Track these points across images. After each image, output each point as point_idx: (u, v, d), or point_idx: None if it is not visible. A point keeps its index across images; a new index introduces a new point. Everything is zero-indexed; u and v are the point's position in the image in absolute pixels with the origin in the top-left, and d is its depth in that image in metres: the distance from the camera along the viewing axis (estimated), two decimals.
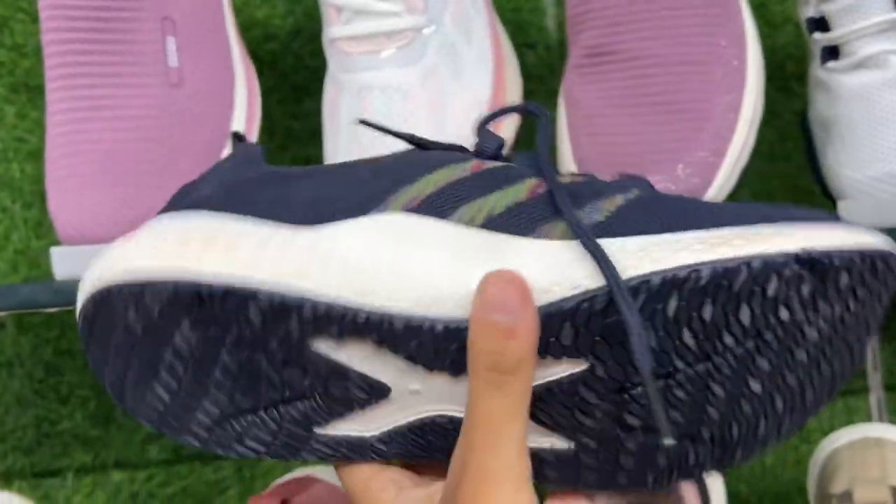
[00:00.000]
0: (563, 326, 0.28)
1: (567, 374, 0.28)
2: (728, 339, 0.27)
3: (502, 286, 0.28)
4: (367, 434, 0.31)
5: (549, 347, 0.28)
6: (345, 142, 0.47)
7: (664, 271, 0.27)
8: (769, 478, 0.79)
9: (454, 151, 0.34)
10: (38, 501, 0.71)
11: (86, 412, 0.73)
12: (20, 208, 0.71)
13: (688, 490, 0.55)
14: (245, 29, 0.76)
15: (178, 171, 0.45)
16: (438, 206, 0.30)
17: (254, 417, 0.31)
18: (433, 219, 0.30)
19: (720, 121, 0.47)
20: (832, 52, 0.54)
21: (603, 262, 0.27)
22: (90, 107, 0.46)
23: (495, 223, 0.30)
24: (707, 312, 0.27)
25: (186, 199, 0.32)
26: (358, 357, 0.29)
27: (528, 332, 0.27)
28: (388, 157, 0.34)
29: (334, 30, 0.48)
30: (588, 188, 0.31)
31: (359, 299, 0.28)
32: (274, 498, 0.50)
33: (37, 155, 0.71)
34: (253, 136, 0.49)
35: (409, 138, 0.35)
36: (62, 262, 0.45)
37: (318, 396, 0.30)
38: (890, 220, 0.50)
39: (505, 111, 0.34)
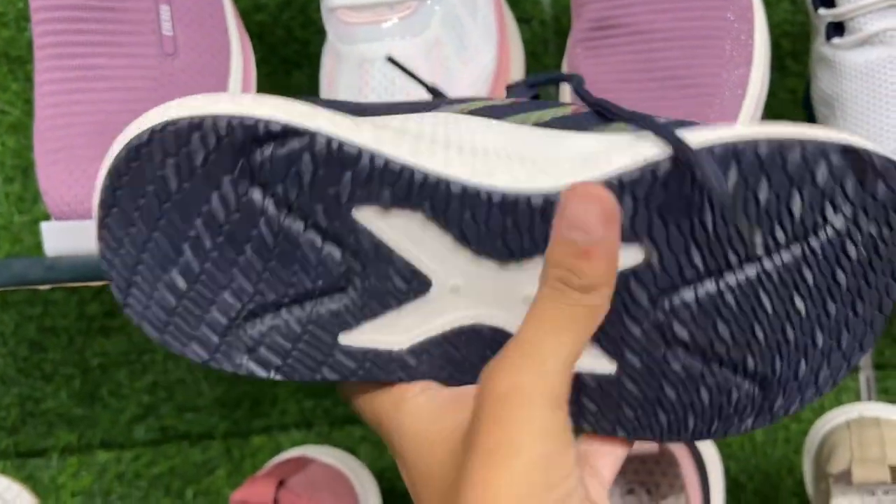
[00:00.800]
0: (622, 200, 0.27)
1: (621, 265, 0.28)
2: (779, 235, 0.28)
3: (586, 203, 0.26)
4: (396, 348, 0.29)
5: None
6: None
7: (725, 143, 0.26)
8: (759, 456, 0.79)
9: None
10: (22, 482, 0.69)
11: (71, 391, 0.72)
12: (1, 182, 0.69)
13: (688, 470, 0.55)
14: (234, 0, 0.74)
15: None
16: (488, 114, 0.30)
17: (276, 317, 0.29)
18: (487, 118, 0.30)
19: (728, 96, 0.46)
20: (837, 29, 0.53)
21: (665, 131, 0.27)
22: (81, 77, 0.44)
23: (547, 126, 0.30)
24: (762, 192, 0.27)
25: None
26: (404, 235, 0.28)
27: (606, 255, 0.26)
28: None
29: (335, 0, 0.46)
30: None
31: (416, 160, 0.27)
32: (271, 478, 0.49)
33: (18, 128, 0.69)
34: None
35: (432, 90, 0.34)
36: (53, 237, 0.44)
37: (353, 288, 0.29)
38: None
39: (539, 81, 0.33)
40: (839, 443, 0.57)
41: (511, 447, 0.25)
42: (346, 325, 0.29)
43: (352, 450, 0.74)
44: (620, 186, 0.27)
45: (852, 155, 0.27)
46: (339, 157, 0.27)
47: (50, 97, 0.45)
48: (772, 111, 0.75)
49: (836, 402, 0.71)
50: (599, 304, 0.27)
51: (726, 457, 0.79)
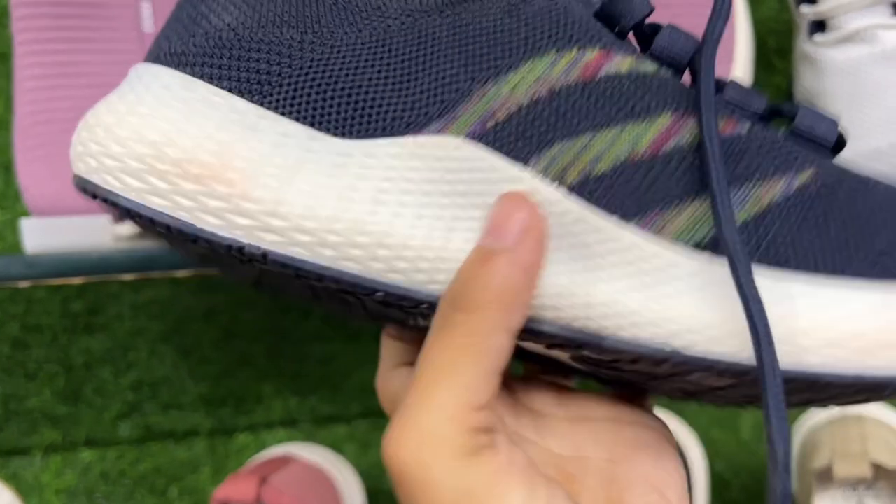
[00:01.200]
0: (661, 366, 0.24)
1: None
2: None
3: (512, 207, 0.23)
4: None
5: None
6: None
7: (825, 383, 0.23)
8: (745, 454, 0.79)
9: (569, 19, 0.25)
10: (5, 480, 0.69)
11: (54, 389, 0.71)
12: None
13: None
14: None
15: None
16: (521, 134, 0.24)
17: None
18: (506, 160, 0.24)
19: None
20: (819, 26, 0.54)
21: (766, 350, 0.22)
22: (62, 73, 0.44)
23: (592, 189, 0.24)
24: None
25: (201, 29, 0.25)
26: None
27: (507, 269, 0.23)
28: None
29: None
30: (742, 151, 0.24)
31: (383, 279, 0.24)
32: (253, 476, 0.49)
33: (0, 124, 0.69)
34: None
35: None
36: (33, 234, 0.44)
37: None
38: None
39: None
40: (821, 439, 0.57)
41: None
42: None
43: (337, 448, 0.74)
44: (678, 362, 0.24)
45: None
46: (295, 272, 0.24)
47: (30, 94, 0.44)
48: None
49: None
50: (485, 332, 0.23)
51: (712, 454, 0.79)
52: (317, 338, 0.74)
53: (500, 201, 0.23)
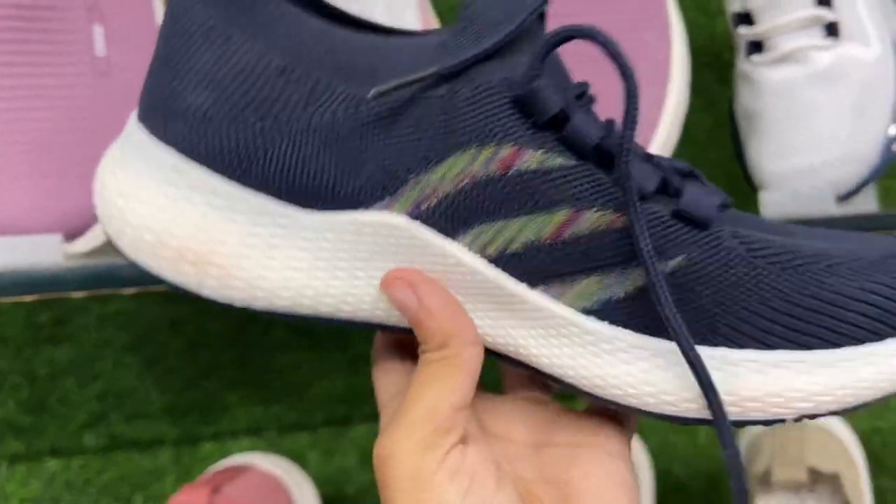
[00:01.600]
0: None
1: None
2: None
3: (394, 289, 0.30)
4: None
5: None
6: None
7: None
8: (702, 458, 0.81)
9: (487, 115, 0.28)
10: None
11: (19, 400, 0.72)
12: None
13: None
14: None
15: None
16: (449, 216, 0.29)
17: None
18: (437, 236, 0.29)
19: (644, 114, 0.48)
20: (756, 46, 0.56)
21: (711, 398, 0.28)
22: (14, 97, 0.45)
23: (507, 262, 0.29)
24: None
25: (179, 103, 0.29)
26: None
27: (434, 315, 0.29)
28: (408, 97, 0.28)
29: None
30: (624, 239, 0.28)
31: (354, 317, 0.31)
32: (205, 486, 0.51)
33: None
34: None
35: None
36: None
37: None
38: (807, 211, 0.51)
39: (567, 35, 0.29)
40: (762, 445, 0.59)
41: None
42: None
43: (300, 456, 0.76)
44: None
45: None
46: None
47: None
48: (713, 120, 0.77)
49: None
50: (454, 354, 0.29)
51: (670, 457, 0.81)
52: (280, 348, 0.75)
53: (384, 287, 0.30)
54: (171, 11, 0.29)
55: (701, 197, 0.28)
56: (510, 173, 0.28)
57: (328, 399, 0.77)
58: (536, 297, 0.29)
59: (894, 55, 0.55)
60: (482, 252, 0.29)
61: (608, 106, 0.31)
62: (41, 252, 0.43)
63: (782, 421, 0.29)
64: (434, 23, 0.55)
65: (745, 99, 0.57)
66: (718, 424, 0.28)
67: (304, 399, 0.76)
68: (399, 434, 0.29)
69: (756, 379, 0.28)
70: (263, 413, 0.76)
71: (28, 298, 0.44)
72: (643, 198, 0.28)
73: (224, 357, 0.75)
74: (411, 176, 0.28)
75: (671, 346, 0.28)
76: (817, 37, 0.53)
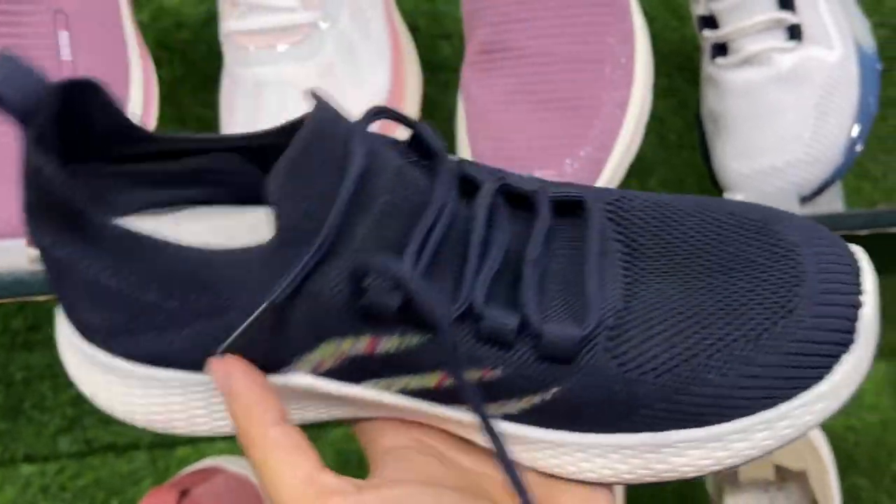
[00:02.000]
0: None
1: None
2: None
3: (216, 373, 0.31)
4: None
5: None
6: None
7: None
8: None
9: (334, 318, 0.30)
10: None
11: None
12: None
13: None
14: (155, 18, 0.75)
15: None
16: (345, 374, 0.31)
17: None
18: (344, 384, 0.31)
19: (608, 117, 0.48)
20: (721, 49, 0.56)
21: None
22: None
23: (412, 394, 0.31)
24: None
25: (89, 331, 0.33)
26: None
27: (234, 403, 0.31)
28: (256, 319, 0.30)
29: (230, 24, 0.48)
30: (501, 383, 0.30)
31: None
32: (173, 489, 0.51)
33: None
34: (151, 126, 0.50)
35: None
36: None
37: None
38: None
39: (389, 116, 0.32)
40: None
41: None
42: None
43: None
44: None
45: None
46: None
47: None
48: (685, 122, 0.78)
49: None
50: (261, 436, 0.30)
51: None
52: None
53: (210, 371, 0.31)
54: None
55: (560, 334, 0.29)
56: (376, 353, 0.30)
57: None
58: (452, 411, 0.31)
59: (857, 57, 0.55)
60: (388, 390, 0.31)
61: None
62: (5, 257, 0.44)
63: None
64: (403, 32, 0.55)
65: (711, 101, 0.57)
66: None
67: None
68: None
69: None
70: None
71: (2, 301, 0.44)
72: (508, 345, 0.29)
73: None
74: (304, 353, 0.30)
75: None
76: (780, 39, 0.54)
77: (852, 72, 0.55)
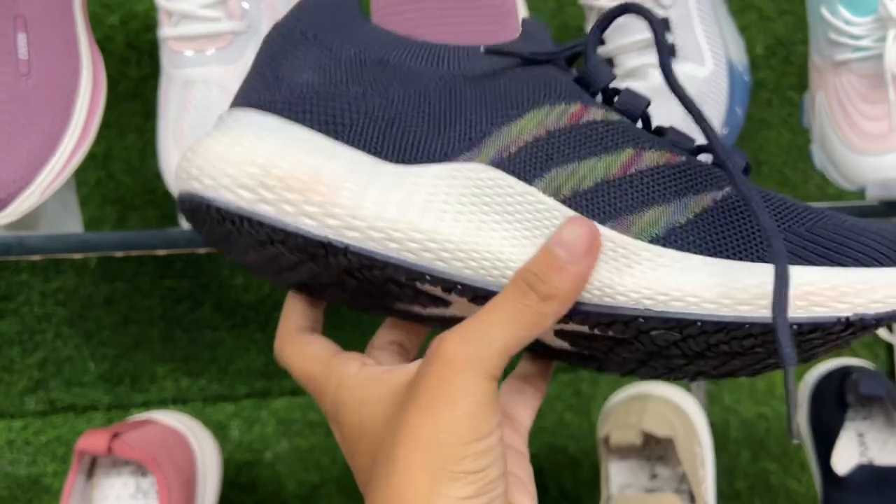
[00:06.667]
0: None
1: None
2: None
3: (578, 232, 0.31)
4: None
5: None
6: (171, 131, 0.55)
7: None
8: (593, 436, 0.88)
9: (558, 84, 0.34)
10: None
11: None
12: None
13: None
14: (125, 21, 0.83)
15: (22, 150, 0.53)
16: (528, 162, 0.32)
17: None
18: (518, 180, 0.32)
19: (516, 15, 0.56)
20: (609, 64, 0.63)
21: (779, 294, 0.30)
22: None
23: (580, 200, 0.32)
24: None
25: (284, 85, 0.34)
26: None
27: (574, 277, 0.31)
28: (491, 66, 0.34)
29: (165, 30, 0.56)
30: (681, 174, 0.33)
31: (431, 265, 0.32)
32: (106, 432, 0.58)
33: None
34: (94, 123, 0.57)
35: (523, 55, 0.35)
36: None
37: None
38: None
39: (615, 14, 0.36)
40: (609, 414, 0.67)
41: (448, 402, 0.30)
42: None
43: (224, 424, 0.83)
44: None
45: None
46: (370, 263, 0.33)
47: None
48: None
49: None
50: (549, 314, 0.31)
51: (566, 437, 0.88)
52: (207, 325, 0.83)
53: (570, 223, 0.31)
54: (277, 28, 0.36)
55: (733, 154, 0.34)
56: (580, 123, 0.33)
57: (249, 373, 0.84)
58: (608, 232, 0.32)
59: (727, 72, 0.62)
60: (557, 194, 0.32)
61: None
62: None
63: (846, 321, 0.32)
64: None
65: None
66: (778, 321, 0.30)
67: (227, 373, 0.84)
68: (475, 350, 0.30)
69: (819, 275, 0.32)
70: (189, 385, 0.83)
71: None
72: (689, 151, 0.35)
73: (154, 332, 0.82)
74: (494, 129, 0.33)
75: (734, 263, 0.32)
76: (656, 56, 0.61)
77: (721, 86, 0.62)
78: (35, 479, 0.80)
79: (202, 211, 0.33)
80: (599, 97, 0.36)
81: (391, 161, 0.33)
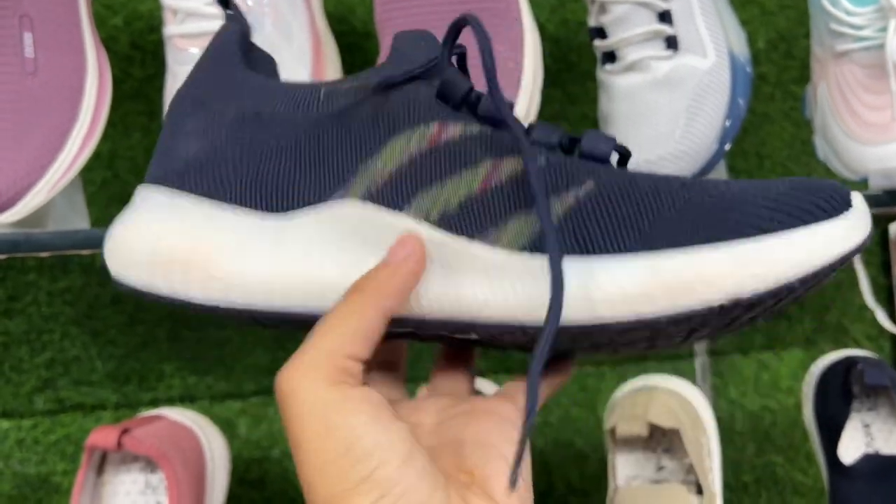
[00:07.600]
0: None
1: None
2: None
3: (400, 241, 0.33)
4: None
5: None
6: None
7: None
8: (602, 431, 0.88)
9: (416, 106, 0.34)
10: None
11: None
12: None
13: None
14: (129, 22, 0.83)
15: (30, 148, 0.53)
16: (396, 191, 0.33)
17: None
18: (389, 211, 0.33)
19: None
20: (609, 57, 0.64)
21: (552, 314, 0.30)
22: None
23: (449, 221, 0.33)
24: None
25: (176, 155, 0.35)
26: None
27: (387, 272, 0.32)
28: (355, 98, 0.35)
29: (171, 28, 0.56)
30: (552, 172, 0.33)
31: (321, 308, 0.33)
32: (116, 427, 0.58)
33: None
34: (100, 121, 0.57)
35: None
36: None
37: None
38: None
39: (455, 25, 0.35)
40: (616, 405, 0.67)
41: (301, 439, 0.30)
42: None
43: (232, 422, 0.84)
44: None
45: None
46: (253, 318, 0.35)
47: None
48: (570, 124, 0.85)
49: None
50: (364, 305, 0.32)
51: (573, 432, 0.88)
52: (213, 323, 0.83)
53: (397, 239, 0.33)
54: (175, 97, 0.38)
55: (597, 140, 0.34)
56: (439, 143, 0.33)
57: (257, 371, 0.85)
58: (477, 247, 0.32)
59: (729, 64, 0.63)
60: (427, 218, 0.33)
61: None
62: None
63: (721, 309, 0.31)
64: (326, 37, 0.63)
65: (603, 104, 0.65)
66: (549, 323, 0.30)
67: (234, 370, 0.84)
68: (302, 371, 0.30)
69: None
70: (196, 383, 0.83)
71: None
72: (550, 148, 0.34)
73: (161, 331, 0.83)
74: (360, 164, 0.33)
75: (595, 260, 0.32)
76: (659, 49, 0.61)
77: (724, 77, 0.62)
78: (45, 478, 0.81)
79: (126, 289, 0.35)
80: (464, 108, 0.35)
81: (274, 212, 0.34)
